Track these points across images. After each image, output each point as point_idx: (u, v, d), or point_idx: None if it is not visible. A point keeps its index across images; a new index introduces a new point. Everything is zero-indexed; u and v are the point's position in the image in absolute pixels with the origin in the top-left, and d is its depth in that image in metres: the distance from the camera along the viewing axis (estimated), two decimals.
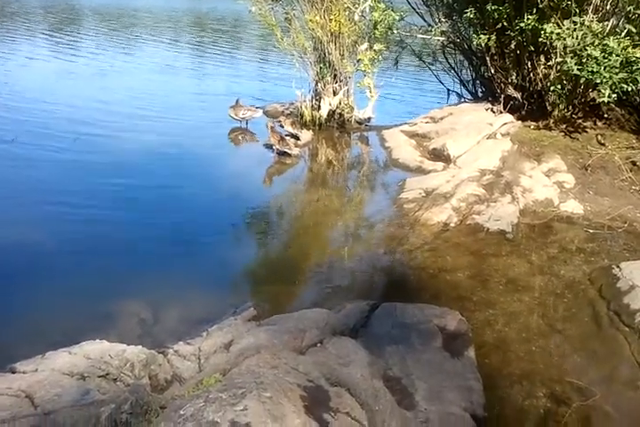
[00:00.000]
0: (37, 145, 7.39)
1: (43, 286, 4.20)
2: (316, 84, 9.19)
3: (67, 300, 4.01)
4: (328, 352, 3.27)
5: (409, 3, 9.35)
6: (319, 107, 9.17)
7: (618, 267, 4.79)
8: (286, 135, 8.05)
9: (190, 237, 5.25)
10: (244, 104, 8.88)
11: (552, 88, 7.28)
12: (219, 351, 3.24)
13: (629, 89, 6.58)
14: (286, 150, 7.62)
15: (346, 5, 8.62)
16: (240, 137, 8.80)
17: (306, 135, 8.57)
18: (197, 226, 5.53)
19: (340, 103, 9.19)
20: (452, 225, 5.72)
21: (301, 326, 3.52)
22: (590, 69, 6.54)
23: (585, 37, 6.65)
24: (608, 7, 7.20)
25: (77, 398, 2.64)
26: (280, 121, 8.39)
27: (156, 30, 21.99)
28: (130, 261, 4.69)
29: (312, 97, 9.30)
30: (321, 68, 9.01)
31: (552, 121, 7.80)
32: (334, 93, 9.12)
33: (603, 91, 6.59)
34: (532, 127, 7.98)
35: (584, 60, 6.60)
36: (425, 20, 9.31)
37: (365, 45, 8.83)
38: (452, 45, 9.26)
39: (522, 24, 7.12)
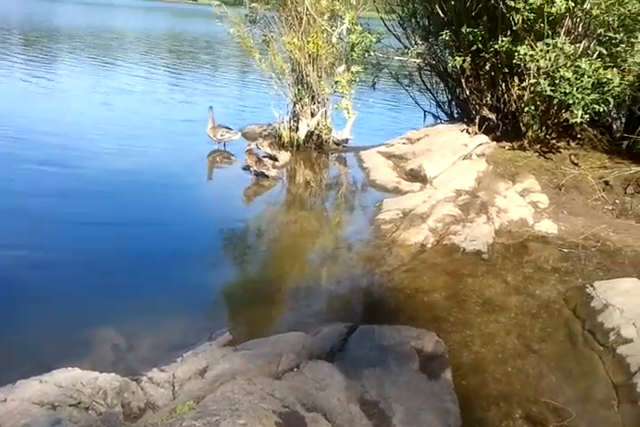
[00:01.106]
0: None
1: (14, 312, 4.12)
2: (294, 106, 9.26)
3: (38, 327, 3.94)
4: (304, 377, 3.25)
5: (385, 25, 9.50)
6: (297, 128, 9.22)
7: (592, 286, 4.84)
8: (264, 157, 8.08)
9: (165, 261, 5.20)
10: (219, 124, 8.88)
11: (526, 109, 7.40)
12: (193, 378, 3.21)
13: (601, 110, 6.71)
14: (264, 171, 7.63)
15: (323, 28, 8.73)
16: (218, 159, 8.80)
17: (284, 156, 8.61)
18: (172, 249, 5.47)
19: (317, 124, 9.25)
20: (429, 246, 5.76)
21: (277, 351, 3.50)
22: (563, 90, 6.67)
23: (558, 59, 6.78)
24: (580, 29, 7.36)
25: None
26: (258, 142, 8.41)
27: (134, 51, 22.02)
28: (103, 286, 4.61)
29: (290, 118, 9.35)
30: (299, 89, 9.09)
31: (526, 141, 7.92)
32: (312, 115, 9.19)
33: (575, 111, 6.72)
34: (506, 148, 8.09)
35: (557, 82, 6.73)
36: (401, 42, 9.45)
37: (343, 67, 8.94)
38: (428, 67, 9.38)
39: (496, 46, 7.26)
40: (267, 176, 7.66)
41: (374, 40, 8.49)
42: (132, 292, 4.54)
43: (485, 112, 8.30)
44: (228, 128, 8.84)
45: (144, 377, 3.22)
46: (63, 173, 7.13)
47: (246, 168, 7.85)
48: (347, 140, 9.42)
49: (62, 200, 6.31)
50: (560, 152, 7.83)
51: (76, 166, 7.38)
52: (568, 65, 6.69)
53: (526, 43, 7.00)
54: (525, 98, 7.60)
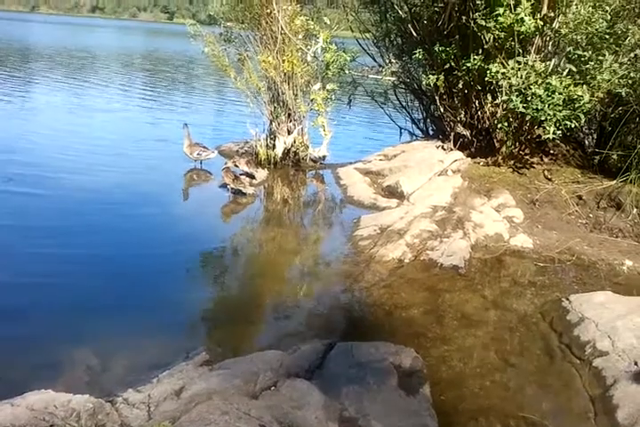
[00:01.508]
0: None
1: None
2: (271, 124, 9.29)
3: (10, 348, 3.86)
4: (282, 395, 3.22)
5: (360, 44, 9.63)
6: (274, 146, 9.24)
7: (567, 300, 4.90)
8: (241, 174, 8.07)
9: (141, 280, 5.14)
10: (196, 142, 8.87)
11: (499, 126, 7.52)
12: (169, 398, 3.15)
13: (573, 126, 6.85)
14: (241, 189, 7.62)
15: (298, 46, 8.81)
16: (195, 177, 8.77)
17: (261, 174, 8.61)
18: (149, 268, 5.42)
19: (294, 142, 9.28)
20: (407, 261, 5.78)
21: (255, 369, 3.47)
22: (535, 107, 6.80)
23: (529, 76, 6.92)
24: (550, 48, 7.55)
25: None
26: (235, 160, 8.42)
27: (108, 70, 22.02)
28: (77, 306, 4.51)
29: (267, 136, 9.38)
30: (275, 107, 9.14)
31: (500, 157, 8.03)
32: (289, 132, 9.22)
33: (548, 128, 6.85)
34: (481, 164, 8.19)
35: (529, 99, 6.87)
36: (376, 61, 9.58)
37: (318, 85, 9.00)
38: (402, 85, 9.52)
39: (468, 64, 7.38)
40: (244, 194, 7.65)
41: (349, 59, 8.59)
42: (108, 312, 4.47)
43: (460, 129, 8.41)
44: (204, 147, 8.83)
45: (119, 398, 3.17)
46: (34, 193, 7.05)
47: (223, 186, 7.83)
48: (324, 158, 9.46)
49: (32, 221, 6.23)
50: (534, 167, 7.95)
51: (47, 187, 7.30)
52: (539, 82, 6.83)
53: (498, 61, 7.15)
54: (498, 115, 7.73)
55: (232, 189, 7.66)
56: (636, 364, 3.89)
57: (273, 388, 3.34)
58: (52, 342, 3.95)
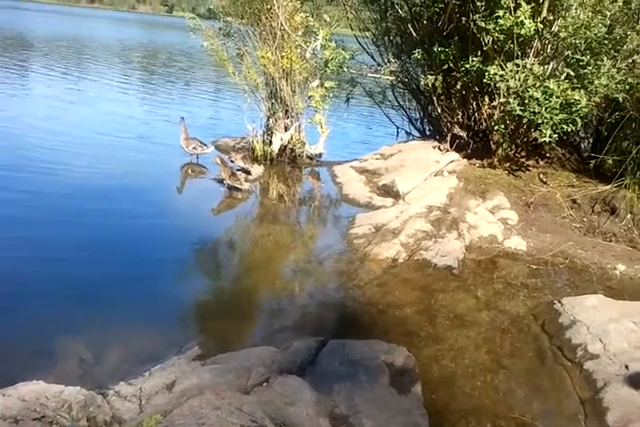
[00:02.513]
0: None
1: None
2: (268, 120, 9.28)
3: (2, 340, 3.84)
4: (274, 391, 3.22)
5: (359, 42, 9.62)
6: (271, 142, 9.23)
7: (560, 302, 4.92)
8: (237, 170, 8.06)
9: (136, 274, 5.11)
10: (193, 137, 8.85)
11: (496, 128, 7.53)
12: (161, 392, 3.15)
13: (569, 129, 6.87)
14: (237, 185, 7.60)
15: (297, 43, 8.80)
16: (190, 171, 8.75)
17: (257, 170, 8.60)
18: (142, 262, 5.40)
19: (291, 138, 9.27)
20: (401, 260, 5.78)
21: (247, 365, 3.46)
22: (532, 110, 6.81)
23: (527, 79, 6.92)
24: (548, 51, 7.56)
25: None
26: (231, 155, 8.41)
27: (106, 61, 21.87)
28: (69, 298, 4.50)
29: (264, 132, 9.37)
30: (273, 103, 9.13)
31: (496, 159, 8.05)
32: (286, 129, 9.21)
33: (544, 131, 6.86)
34: (477, 165, 8.21)
35: (526, 101, 6.87)
36: (375, 60, 9.57)
37: (317, 82, 8.99)
38: (400, 85, 9.52)
39: (467, 65, 7.39)
40: (240, 189, 7.63)
41: (348, 57, 8.56)
42: (100, 304, 4.45)
43: (457, 130, 8.42)
44: (200, 142, 8.81)
45: (111, 391, 3.16)
46: (32, 183, 7.02)
47: (219, 181, 7.82)
48: (320, 155, 9.46)
49: (26, 211, 6.18)
50: (529, 170, 7.97)
51: (42, 179, 7.24)
52: (537, 85, 6.84)
53: (496, 63, 7.15)
54: (495, 117, 7.75)
55: (228, 184, 7.64)
56: (626, 367, 3.91)
57: (265, 384, 3.34)
58: (43, 333, 3.94)
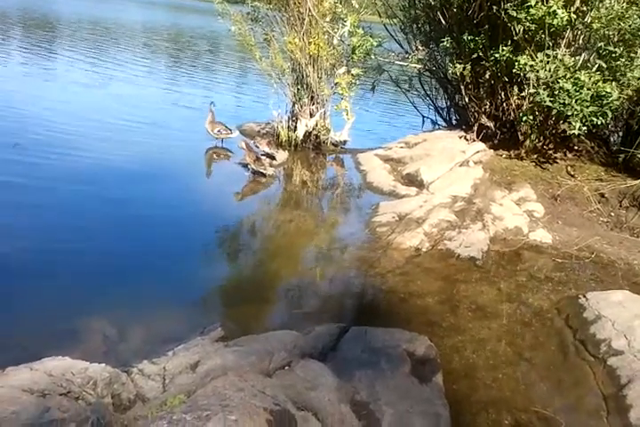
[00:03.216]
0: None
1: (5, 301, 4.07)
2: (293, 105, 9.25)
3: (30, 315, 3.89)
4: (296, 375, 3.23)
5: (387, 30, 9.52)
6: (295, 128, 9.21)
7: (584, 297, 4.85)
8: (262, 155, 8.06)
9: (160, 256, 5.15)
10: (219, 121, 8.85)
11: (524, 119, 7.43)
12: (184, 372, 3.17)
13: (599, 122, 6.75)
14: (261, 170, 7.60)
15: (325, 29, 8.73)
16: (215, 155, 8.76)
17: (281, 155, 8.59)
18: (167, 244, 5.44)
19: (316, 125, 9.25)
20: (424, 250, 5.75)
21: (269, 348, 3.47)
22: (562, 102, 6.71)
23: (557, 70, 6.82)
24: (580, 42, 7.43)
25: (36, 416, 2.55)
26: (256, 141, 8.40)
27: (132, 45, 21.89)
28: (97, 278, 4.56)
29: (289, 118, 9.35)
30: (298, 89, 9.09)
31: (523, 151, 7.96)
32: (311, 115, 9.18)
33: (573, 123, 6.76)
34: (503, 156, 8.12)
35: (556, 93, 6.77)
36: (402, 48, 9.48)
37: (343, 69, 8.92)
38: (428, 73, 9.42)
39: (497, 55, 7.29)
40: (264, 174, 7.63)
41: (375, 44, 8.50)
42: (127, 285, 4.50)
43: (484, 120, 8.32)
44: (226, 126, 8.81)
45: (135, 369, 3.19)
46: (56, 164, 7.06)
47: (244, 165, 7.83)
48: (345, 142, 9.42)
49: (57, 192, 6.25)
50: (557, 163, 7.87)
51: (69, 159, 7.31)
52: (567, 77, 6.73)
53: (527, 53, 7.05)
54: (524, 107, 7.64)
55: (252, 169, 7.64)
56: None
57: (287, 367, 3.35)
58: (69, 310, 3.98)
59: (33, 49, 16.61)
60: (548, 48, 6.98)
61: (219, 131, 8.71)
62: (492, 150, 8.27)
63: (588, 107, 6.63)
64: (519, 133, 8.02)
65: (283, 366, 3.36)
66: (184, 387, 2.95)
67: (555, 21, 6.71)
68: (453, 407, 3.40)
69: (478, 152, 8.13)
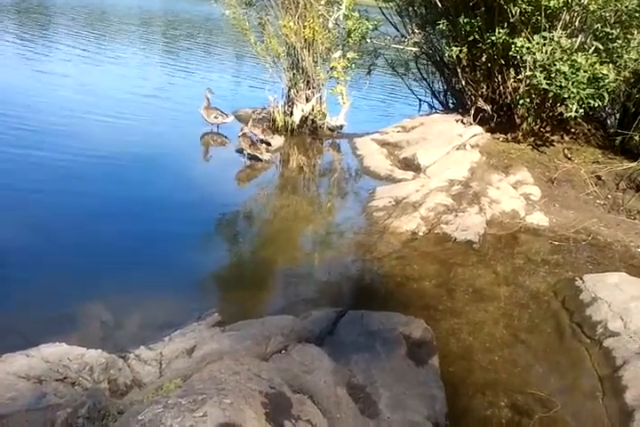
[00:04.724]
0: None
1: (0, 288, 4.07)
2: (289, 90, 9.20)
3: (26, 302, 3.89)
4: (292, 359, 3.23)
5: (382, 13, 9.43)
6: (291, 113, 9.17)
7: (581, 279, 4.86)
8: (258, 140, 8.02)
9: (156, 241, 5.16)
10: (214, 106, 8.79)
11: (521, 101, 7.38)
12: (180, 357, 3.18)
13: (596, 105, 6.72)
14: (257, 155, 7.57)
15: (320, 13, 8.65)
16: (211, 141, 8.72)
17: (277, 141, 8.56)
18: (163, 230, 5.41)
19: (312, 110, 9.20)
20: (421, 234, 5.75)
21: (266, 333, 3.48)
22: (559, 84, 6.65)
23: (554, 53, 6.76)
24: (577, 24, 7.35)
25: (33, 402, 2.56)
26: (251, 126, 8.35)
27: (127, 31, 21.68)
28: (93, 264, 4.55)
29: (284, 103, 9.30)
30: (294, 74, 9.02)
31: (520, 134, 7.93)
32: (307, 100, 9.12)
33: (570, 106, 6.71)
34: (500, 139, 8.09)
35: (553, 75, 6.71)
36: (398, 31, 9.38)
37: (339, 53, 8.86)
38: (424, 56, 9.36)
39: (493, 37, 7.23)
40: (260, 160, 7.61)
41: (371, 27, 8.41)
42: (122, 270, 4.50)
43: (480, 103, 8.28)
44: (221, 111, 8.75)
45: (131, 354, 3.20)
46: (50, 148, 7.01)
47: (239, 151, 7.79)
48: (341, 127, 9.38)
49: (48, 175, 6.23)
50: (554, 146, 7.84)
51: (65, 144, 7.26)
52: (564, 59, 6.67)
53: (523, 35, 6.98)
54: (521, 90, 7.59)
55: (248, 154, 7.61)
56: None
57: (283, 351, 3.35)
58: (65, 296, 3.99)
59: (30, 33, 16.43)
60: (545, 30, 6.91)
61: (215, 116, 8.66)
62: (488, 134, 8.24)
63: (584, 89, 6.58)
64: (516, 117, 7.98)
65: (279, 351, 3.37)
66: (180, 372, 2.96)
67: (551, 3, 6.64)
68: (449, 390, 3.41)
69: (475, 136, 8.09)
